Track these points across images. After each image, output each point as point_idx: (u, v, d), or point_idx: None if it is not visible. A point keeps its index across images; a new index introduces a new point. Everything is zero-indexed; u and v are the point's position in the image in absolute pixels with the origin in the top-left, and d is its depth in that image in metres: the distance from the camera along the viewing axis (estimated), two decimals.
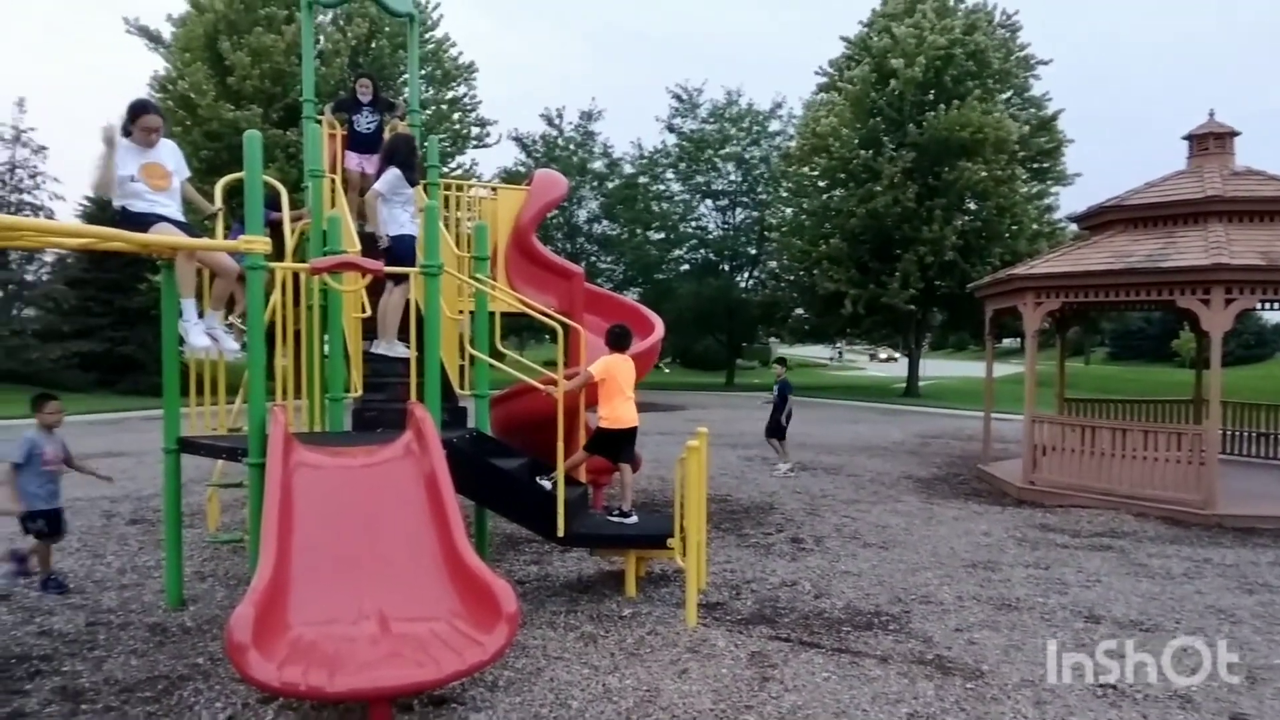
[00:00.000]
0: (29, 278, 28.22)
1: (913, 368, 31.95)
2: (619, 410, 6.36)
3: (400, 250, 6.60)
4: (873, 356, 68.00)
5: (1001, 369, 20.86)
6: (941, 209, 26.88)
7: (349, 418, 6.41)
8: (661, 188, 38.40)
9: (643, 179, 37.65)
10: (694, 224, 38.58)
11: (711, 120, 37.42)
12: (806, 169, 31.16)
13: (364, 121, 8.60)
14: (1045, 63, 30.45)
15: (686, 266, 39.17)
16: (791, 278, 33.71)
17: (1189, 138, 11.41)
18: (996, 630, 5.56)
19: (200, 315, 5.55)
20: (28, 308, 27.69)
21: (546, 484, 6.20)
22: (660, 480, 11.14)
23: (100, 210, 23.93)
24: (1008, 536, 8.32)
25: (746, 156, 37.42)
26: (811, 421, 20.68)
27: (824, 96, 31.24)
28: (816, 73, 32.62)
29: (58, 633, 5.37)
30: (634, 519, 6.42)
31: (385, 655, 3.86)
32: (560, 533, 5.98)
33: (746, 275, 39.24)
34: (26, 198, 27.82)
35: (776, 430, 12.57)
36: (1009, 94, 29.86)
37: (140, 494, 10.28)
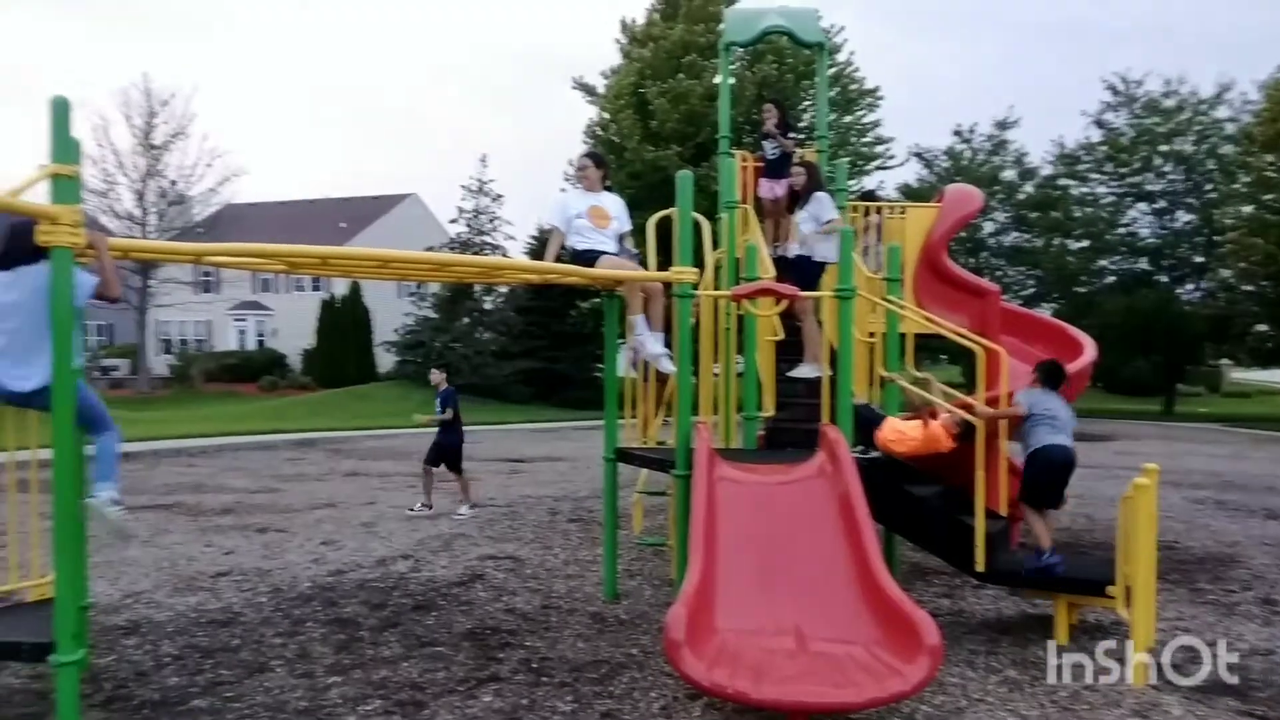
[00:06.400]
0: (487, 306, 33.44)
1: None
2: None
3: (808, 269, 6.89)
4: None
5: None
6: None
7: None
8: (1085, 190, 34.84)
9: (1063, 180, 34.48)
10: (1122, 229, 34.41)
11: (1145, 114, 33.19)
12: (1270, 156, 26.25)
13: (770, 148, 8.93)
14: None
15: (1113, 279, 35.02)
16: (1252, 288, 28.55)
17: None
18: None
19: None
20: (486, 332, 32.79)
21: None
22: (1085, 519, 10.04)
23: (542, 247, 27.69)
24: None
25: (1189, 152, 32.59)
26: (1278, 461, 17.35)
27: None
28: None
29: (520, 611, 6.24)
30: (1059, 559, 5.85)
31: (804, 671, 3.94)
32: (979, 567, 5.65)
33: (1191, 286, 34.05)
34: (487, 239, 32.99)
35: (444, 456, 9.90)
36: None
37: (576, 495, 11.62)
